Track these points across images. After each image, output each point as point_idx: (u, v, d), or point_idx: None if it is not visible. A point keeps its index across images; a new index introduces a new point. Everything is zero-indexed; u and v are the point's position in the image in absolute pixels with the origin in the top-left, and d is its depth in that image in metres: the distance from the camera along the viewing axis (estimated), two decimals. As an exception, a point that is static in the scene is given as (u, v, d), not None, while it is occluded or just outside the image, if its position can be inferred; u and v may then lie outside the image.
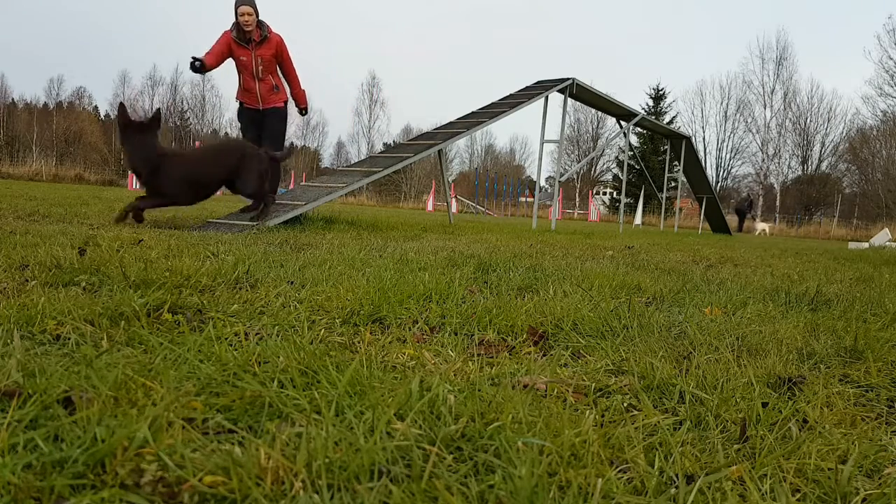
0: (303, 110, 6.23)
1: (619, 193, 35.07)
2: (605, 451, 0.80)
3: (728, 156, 40.99)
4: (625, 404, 1.01)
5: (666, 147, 18.46)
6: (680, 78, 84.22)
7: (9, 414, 0.75)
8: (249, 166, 4.37)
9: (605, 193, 43.80)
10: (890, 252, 6.98)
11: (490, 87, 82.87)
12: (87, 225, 3.58)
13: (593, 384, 1.09)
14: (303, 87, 6.04)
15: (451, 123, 7.48)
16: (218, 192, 5.15)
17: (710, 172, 38.69)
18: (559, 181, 9.36)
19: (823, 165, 39.40)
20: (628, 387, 1.10)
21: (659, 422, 0.92)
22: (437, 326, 1.49)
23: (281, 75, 5.70)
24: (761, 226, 22.67)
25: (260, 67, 5.43)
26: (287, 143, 5.70)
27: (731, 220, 20.57)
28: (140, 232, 3.25)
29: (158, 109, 4.10)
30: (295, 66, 5.73)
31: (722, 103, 40.70)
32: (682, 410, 1.01)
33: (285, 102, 5.98)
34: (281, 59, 5.54)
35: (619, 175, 32.72)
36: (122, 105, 3.92)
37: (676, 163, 13.59)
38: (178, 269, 1.88)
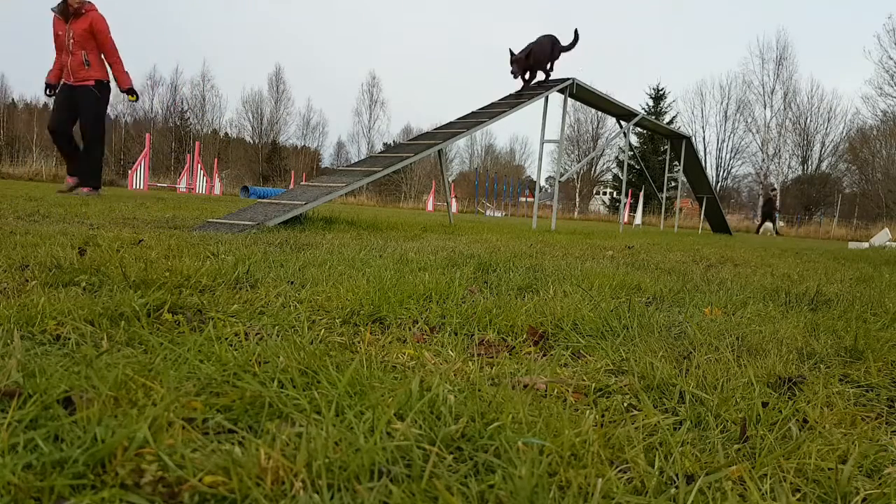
0: (126, 92, 6.06)
1: (619, 193, 35.05)
2: (605, 451, 0.80)
3: (728, 156, 41.08)
4: (625, 404, 1.01)
5: (666, 147, 18.47)
6: (680, 78, 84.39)
7: (9, 414, 0.75)
8: None
9: (605, 193, 43.81)
10: (890, 252, 6.98)
11: (490, 87, 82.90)
12: (86, 225, 3.58)
13: (593, 384, 1.09)
14: (126, 70, 5.85)
15: (451, 123, 7.47)
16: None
17: (711, 172, 38.76)
18: (559, 181, 9.36)
19: (823, 165, 39.47)
20: (628, 387, 1.10)
21: (659, 422, 0.92)
22: (437, 326, 1.49)
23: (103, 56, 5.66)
24: (767, 224, 22.16)
25: (71, 41, 5.43)
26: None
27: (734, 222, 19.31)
28: (140, 232, 3.25)
29: None
30: (116, 46, 5.59)
31: (722, 103, 40.81)
32: (682, 410, 1.01)
33: (98, 81, 5.78)
34: (96, 35, 5.46)
35: (619, 175, 32.72)
36: None
37: (676, 163, 13.57)
38: (178, 269, 1.88)
